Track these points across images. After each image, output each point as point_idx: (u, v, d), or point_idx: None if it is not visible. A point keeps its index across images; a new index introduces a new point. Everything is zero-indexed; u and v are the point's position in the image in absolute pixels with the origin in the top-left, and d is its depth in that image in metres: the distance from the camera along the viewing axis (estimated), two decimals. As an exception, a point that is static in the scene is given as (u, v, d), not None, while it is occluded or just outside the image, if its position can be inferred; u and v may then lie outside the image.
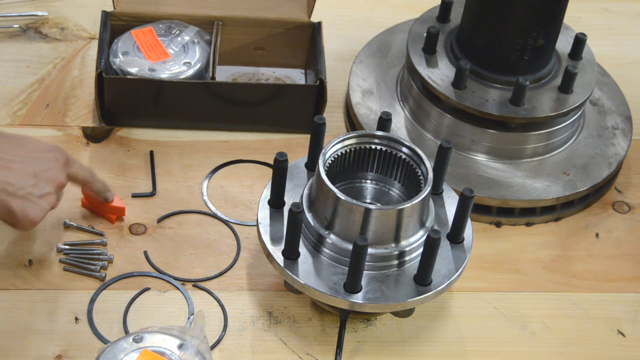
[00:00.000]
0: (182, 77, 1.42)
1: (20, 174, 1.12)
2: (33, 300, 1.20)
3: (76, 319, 1.19)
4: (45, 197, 1.14)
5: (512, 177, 1.37)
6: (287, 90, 1.44)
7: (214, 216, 1.33)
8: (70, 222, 1.29)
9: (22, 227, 1.14)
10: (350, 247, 1.10)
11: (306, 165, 1.24)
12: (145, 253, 1.27)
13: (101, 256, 1.25)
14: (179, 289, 1.24)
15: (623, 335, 1.25)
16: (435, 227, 1.18)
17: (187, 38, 1.46)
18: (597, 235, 1.37)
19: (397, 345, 1.21)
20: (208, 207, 1.34)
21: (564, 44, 1.43)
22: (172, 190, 1.35)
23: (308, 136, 1.23)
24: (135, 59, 1.42)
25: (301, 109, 1.43)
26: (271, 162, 1.18)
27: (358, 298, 1.12)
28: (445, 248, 1.17)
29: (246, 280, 1.26)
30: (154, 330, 1.13)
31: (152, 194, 1.34)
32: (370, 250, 1.12)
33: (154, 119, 1.43)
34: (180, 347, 1.12)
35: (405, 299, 1.12)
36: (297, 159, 1.25)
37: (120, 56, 1.43)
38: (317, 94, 1.41)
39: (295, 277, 1.13)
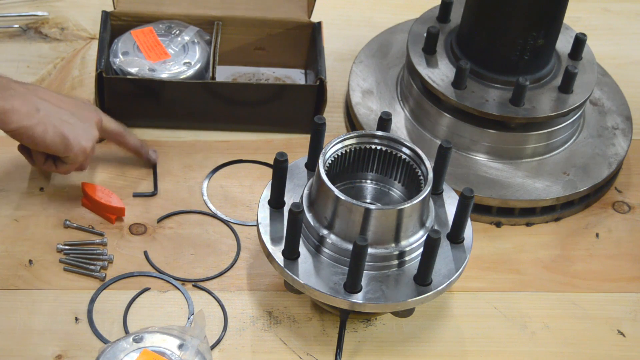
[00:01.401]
0: (182, 77, 1.42)
1: (65, 108, 1.23)
2: (33, 300, 1.20)
3: (76, 319, 1.19)
4: (90, 129, 1.25)
5: (512, 177, 1.37)
6: (287, 90, 1.44)
7: (214, 216, 1.33)
8: (70, 222, 1.29)
9: (75, 156, 1.24)
10: (350, 247, 1.10)
11: (306, 165, 1.24)
12: (145, 253, 1.27)
13: (101, 256, 1.25)
14: (179, 289, 1.24)
15: (623, 335, 1.25)
16: (436, 227, 1.18)
17: (187, 38, 1.46)
18: (597, 235, 1.37)
19: (397, 345, 1.21)
20: (208, 207, 1.34)
21: (564, 44, 1.43)
22: (172, 190, 1.35)
23: (308, 136, 1.23)
24: (135, 59, 1.42)
25: (301, 109, 1.43)
26: (271, 162, 1.18)
27: (358, 298, 1.12)
28: (445, 248, 1.17)
29: (246, 280, 1.26)
30: (154, 330, 1.13)
31: (153, 194, 1.34)
32: (370, 250, 1.12)
33: (154, 119, 1.43)
34: (180, 347, 1.12)
35: (405, 299, 1.12)
36: (297, 159, 1.25)
37: (120, 56, 1.43)
38: (317, 94, 1.41)
39: (295, 277, 1.13)
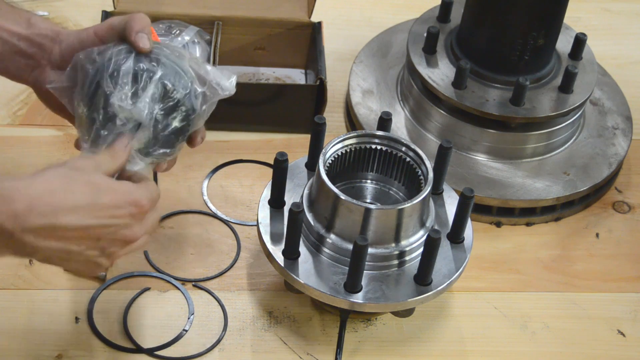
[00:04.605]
0: (182, 77, 1.42)
1: (81, 241, 0.95)
2: (33, 300, 1.20)
3: (76, 319, 1.19)
4: (108, 256, 0.99)
5: (512, 177, 1.37)
6: (287, 90, 1.44)
7: (214, 216, 1.33)
8: (71, 222, 1.29)
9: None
10: (350, 247, 1.10)
11: (306, 165, 1.24)
12: (146, 253, 1.27)
13: (101, 256, 1.25)
14: (179, 289, 1.24)
15: (623, 335, 1.25)
16: (436, 227, 1.18)
17: (187, 38, 1.46)
18: (597, 235, 1.37)
19: (397, 345, 1.21)
20: (208, 207, 1.34)
21: (564, 44, 1.43)
22: (173, 190, 1.35)
23: (308, 136, 1.23)
24: (136, 59, 1.42)
25: (301, 108, 1.43)
26: (271, 162, 1.18)
27: (358, 298, 1.11)
28: (445, 248, 1.17)
29: (246, 280, 1.26)
30: None
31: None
32: (370, 250, 1.12)
33: (154, 118, 1.43)
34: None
35: (406, 298, 1.12)
36: (297, 159, 1.25)
37: (121, 56, 1.42)
38: (317, 93, 1.41)
39: (295, 277, 1.13)
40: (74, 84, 1.04)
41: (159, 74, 1.02)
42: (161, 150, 1.05)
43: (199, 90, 1.05)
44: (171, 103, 1.03)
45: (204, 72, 1.06)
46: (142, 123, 1.01)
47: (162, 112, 1.02)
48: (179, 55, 1.05)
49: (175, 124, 1.04)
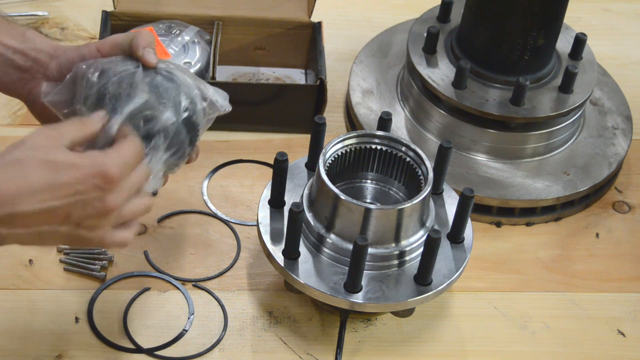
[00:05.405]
0: (182, 77, 1.42)
1: (50, 221, 0.93)
2: (33, 300, 1.20)
3: (76, 319, 1.19)
4: (89, 228, 0.96)
5: (512, 177, 1.37)
6: (287, 90, 1.44)
7: (214, 216, 1.33)
8: (71, 222, 1.29)
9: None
10: (350, 247, 1.10)
11: (306, 165, 1.24)
12: (146, 253, 1.27)
13: (101, 256, 1.25)
14: (179, 289, 1.24)
15: (623, 335, 1.25)
16: (436, 227, 1.18)
17: (187, 38, 1.46)
18: (597, 235, 1.37)
19: (398, 345, 1.21)
20: (208, 207, 1.34)
21: (564, 44, 1.43)
22: (173, 190, 1.35)
23: (308, 136, 1.23)
24: (136, 59, 1.42)
25: (301, 108, 1.43)
26: (271, 162, 1.18)
27: (358, 298, 1.11)
28: (445, 248, 1.17)
29: (246, 280, 1.26)
30: None
31: (153, 194, 1.34)
32: (370, 250, 1.12)
33: (154, 119, 1.43)
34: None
35: (406, 298, 1.12)
36: (297, 159, 1.25)
37: (121, 56, 1.43)
38: (317, 93, 1.41)
39: (295, 277, 1.13)
40: (73, 95, 1.04)
41: (173, 86, 1.03)
42: (173, 160, 1.05)
43: (202, 105, 1.06)
44: (186, 114, 1.03)
45: (204, 87, 1.07)
46: (160, 132, 1.01)
47: (177, 123, 1.03)
48: (183, 70, 1.06)
49: (187, 134, 1.05)
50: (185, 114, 1.03)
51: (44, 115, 1.09)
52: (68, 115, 1.04)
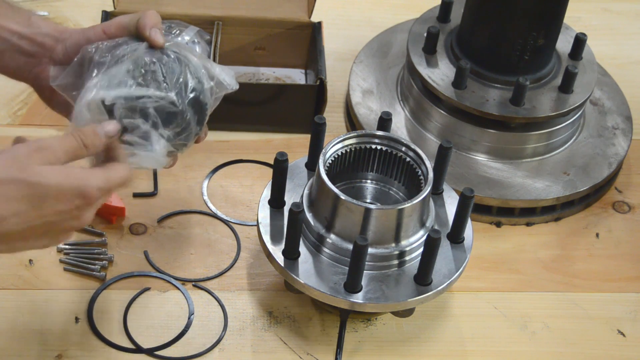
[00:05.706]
0: (182, 77, 1.42)
1: (26, 238, 0.94)
2: (33, 300, 1.20)
3: (76, 319, 1.19)
4: (59, 235, 0.98)
5: (512, 177, 1.37)
6: (287, 90, 1.44)
7: (214, 216, 1.33)
8: (71, 222, 1.29)
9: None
10: (350, 247, 1.10)
11: (306, 165, 1.24)
12: (146, 253, 1.27)
13: (101, 256, 1.25)
14: (179, 289, 1.24)
15: (623, 335, 1.25)
16: (436, 227, 1.18)
17: (187, 38, 1.46)
18: (597, 235, 1.37)
19: (398, 345, 1.21)
20: (208, 207, 1.34)
21: (564, 44, 1.43)
22: (173, 190, 1.35)
23: (308, 136, 1.23)
24: (136, 59, 1.42)
25: (301, 108, 1.43)
26: (271, 162, 1.18)
27: (358, 298, 1.11)
28: (445, 248, 1.17)
29: (246, 280, 1.26)
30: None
31: (153, 194, 1.34)
32: (370, 250, 1.12)
33: (154, 119, 1.43)
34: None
35: (406, 298, 1.12)
36: (298, 159, 1.25)
37: (121, 56, 1.42)
38: (317, 93, 1.41)
39: (295, 277, 1.13)
40: (81, 78, 1.04)
41: (181, 66, 1.03)
42: (180, 140, 1.05)
43: (210, 84, 1.06)
44: (193, 94, 1.03)
45: (211, 66, 1.07)
46: (171, 111, 1.02)
47: (186, 102, 1.03)
48: (190, 50, 1.06)
49: (195, 114, 1.05)
50: (192, 94, 1.04)
51: (53, 99, 1.10)
52: (77, 98, 1.04)
